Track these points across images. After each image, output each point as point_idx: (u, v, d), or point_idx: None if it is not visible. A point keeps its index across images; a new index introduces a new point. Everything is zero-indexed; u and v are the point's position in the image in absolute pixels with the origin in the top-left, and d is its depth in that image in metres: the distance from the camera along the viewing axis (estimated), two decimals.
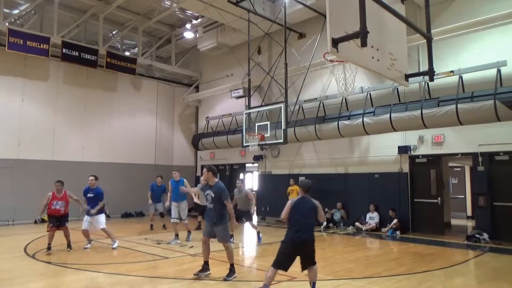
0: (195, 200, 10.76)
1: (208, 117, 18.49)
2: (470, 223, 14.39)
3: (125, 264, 7.39)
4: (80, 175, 13.10)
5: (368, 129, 11.78)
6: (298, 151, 15.21)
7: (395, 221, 11.86)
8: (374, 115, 11.67)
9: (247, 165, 18.15)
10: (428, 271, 7.02)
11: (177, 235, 9.96)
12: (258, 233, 9.82)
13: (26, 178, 14.35)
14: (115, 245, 9.06)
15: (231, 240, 9.78)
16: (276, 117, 13.51)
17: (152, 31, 18.28)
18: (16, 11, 14.86)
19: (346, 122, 12.25)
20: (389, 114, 11.25)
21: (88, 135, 16.29)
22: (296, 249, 5.30)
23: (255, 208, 11.08)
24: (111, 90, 17.20)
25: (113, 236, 9.20)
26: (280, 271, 5.35)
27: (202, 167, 7.80)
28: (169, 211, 10.49)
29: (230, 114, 16.96)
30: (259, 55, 16.30)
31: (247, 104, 14.25)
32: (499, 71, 9.86)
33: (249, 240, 10.37)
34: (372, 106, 12.16)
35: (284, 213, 5.46)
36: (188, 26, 16.54)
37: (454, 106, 10.02)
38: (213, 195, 6.46)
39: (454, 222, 14.12)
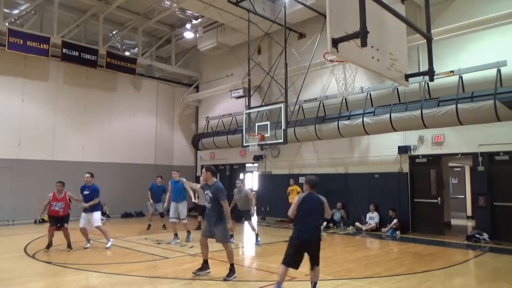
0: (194, 200, 10.74)
1: (208, 117, 18.49)
2: (470, 223, 14.39)
3: (125, 264, 7.38)
4: (80, 175, 12.94)
5: (368, 129, 11.78)
6: (298, 151, 15.21)
7: (395, 221, 11.87)
8: (374, 115, 11.67)
9: (247, 165, 18.15)
10: (428, 271, 7.02)
11: (176, 234, 9.96)
12: (257, 235, 9.79)
13: (26, 178, 14.35)
14: (109, 244, 9.04)
15: (231, 240, 9.82)
16: (276, 117, 13.51)
17: (152, 31, 18.28)
18: (16, 11, 14.86)
19: (346, 122, 12.25)
20: (389, 114, 11.25)
21: (88, 135, 16.29)
22: (303, 247, 5.32)
23: (255, 208, 11.06)
24: (111, 90, 17.20)
25: (107, 235, 9.18)
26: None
27: (202, 167, 7.81)
28: (168, 211, 10.48)
29: (230, 114, 16.96)
30: (259, 55, 16.30)
31: (247, 104, 14.25)
32: (499, 71, 9.86)
33: (249, 240, 10.37)
34: (372, 106, 12.16)
35: (291, 210, 5.46)
36: (188, 26, 16.54)
37: (454, 106, 10.02)
38: (211, 195, 6.47)
39: (454, 222, 14.13)
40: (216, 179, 6.66)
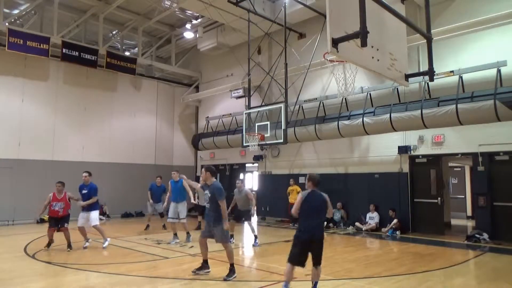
0: (193, 201, 10.69)
1: (208, 117, 18.49)
2: (470, 223, 14.39)
3: (125, 264, 7.38)
4: (80, 175, 12.92)
5: (368, 129, 11.78)
6: (298, 151, 15.21)
7: (395, 221, 11.86)
8: (374, 115, 11.67)
9: (247, 165, 18.15)
10: (428, 271, 7.02)
11: (175, 234, 9.96)
12: (255, 237, 9.77)
13: (26, 178, 14.35)
14: (106, 244, 9.04)
15: (231, 240, 9.81)
16: (276, 117, 13.51)
17: (152, 31, 18.28)
18: (16, 11, 14.86)
19: (346, 122, 12.25)
20: (389, 114, 11.25)
21: (88, 135, 16.29)
22: (308, 245, 5.32)
23: (255, 208, 11.05)
24: (111, 90, 17.20)
25: (104, 235, 9.17)
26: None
27: (202, 167, 7.77)
28: (168, 211, 10.47)
29: (230, 114, 16.96)
30: (259, 55, 16.30)
31: (247, 104, 14.25)
32: (499, 71, 9.86)
33: (249, 240, 10.36)
34: (372, 106, 12.16)
35: (295, 209, 5.46)
36: (188, 26, 16.54)
37: (454, 106, 10.02)
38: (209, 195, 6.48)
39: (454, 222, 14.12)
40: (215, 179, 6.66)
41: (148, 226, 12.37)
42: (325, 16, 5.06)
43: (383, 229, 12.03)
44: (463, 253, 9.21)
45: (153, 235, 11.19)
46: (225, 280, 6.15)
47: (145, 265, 7.35)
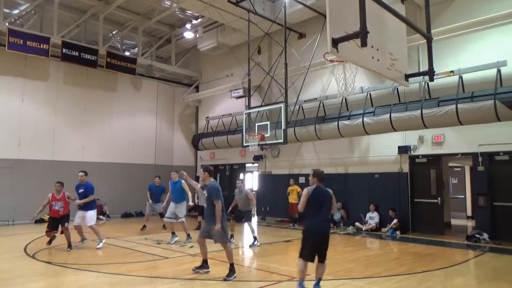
0: (190, 203, 10.58)
1: (208, 117, 18.49)
2: (470, 223, 14.39)
3: (125, 264, 7.38)
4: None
5: (368, 129, 11.78)
6: (298, 151, 15.21)
7: (395, 221, 11.86)
8: (374, 115, 11.67)
9: (247, 165, 18.15)
10: (428, 271, 7.02)
11: (173, 233, 9.97)
12: (255, 238, 9.75)
13: (26, 178, 14.35)
14: (100, 245, 9.01)
15: (231, 240, 9.80)
16: (276, 117, 13.51)
17: (152, 31, 18.28)
18: (16, 11, 14.86)
19: (346, 122, 12.25)
20: (389, 114, 11.25)
21: (88, 135, 16.29)
22: (318, 240, 5.37)
23: (255, 208, 11.02)
24: (111, 90, 17.20)
25: (99, 236, 9.14)
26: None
27: (202, 167, 7.72)
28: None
29: (230, 114, 16.96)
30: (259, 55, 16.30)
31: (247, 104, 14.25)
32: (499, 71, 9.86)
33: (249, 241, 10.35)
34: (372, 106, 12.16)
35: (301, 204, 5.48)
36: (188, 26, 16.54)
37: (454, 106, 10.02)
38: (206, 195, 6.50)
39: (454, 222, 14.13)
40: (213, 179, 6.66)
41: (144, 226, 12.29)
42: (325, 16, 5.06)
43: (383, 229, 12.03)
44: (463, 253, 9.21)
45: (153, 235, 11.18)
46: (225, 280, 6.14)
47: (145, 265, 7.35)
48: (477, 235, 10.32)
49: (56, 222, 8.80)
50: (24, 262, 7.67)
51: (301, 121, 13.69)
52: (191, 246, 9.20)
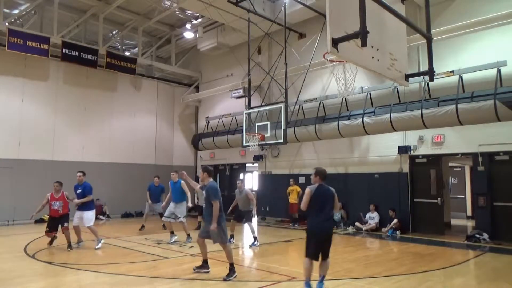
0: (189, 204, 10.54)
1: (208, 117, 18.49)
2: (470, 223, 14.39)
3: (125, 264, 7.38)
4: None
5: (368, 129, 11.78)
6: (298, 151, 15.21)
7: (395, 221, 11.86)
8: (374, 115, 11.67)
9: (247, 165, 18.15)
10: (428, 271, 7.02)
11: (172, 232, 9.97)
12: (255, 238, 9.74)
13: (26, 178, 14.35)
14: (99, 245, 9.00)
15: (231, 240, 9.80)
16: (276, 117, 13.51)
17: (152, 31, 18.29)
18: (16, 11, 14.86)
19: (346, 122, 12.25)
20: (389, 114, 11.25)
21: (88, 135, 16.29)
22: (322, 238, 5.40)
23: (255, 208, 11.00)
24: (111, 90, 17.20)
25: (98, 236, 9.12)
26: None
27: (202, 167, 7.66)
28: None
29: (230, 114, 16.96)
30: (259, 55, 16.30)
31: (247, 104, 14.25)
32: (499, 71, 9.86)
33: (249, 241, 10.35)
34: (372, 106, 12.16)
35: (304, 203, 5.50)
36: (188, 26, 16.54)
37: (454, 106, 10.02)
38: (205, 195, 6.51)
39: (454, 222, 14.13)
40: (211, 179, 6.66)
41: (143, 226, 12.26)
42: (325, 16, 5.06)
43: (383, 229, 12.03)
44: (463, 253, 9.21)
45: (153, 235, 11.18)
46: (225, 280, 6.14)
47: (145, 265, 7.35)
48: (477, 235, 10.32)
49: (55, 222, 8.82)
50: (24, 262, 7.67)
51: (301, 121, 13.69)
52: (191, 246, 9.20)
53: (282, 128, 12.43)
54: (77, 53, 14.91)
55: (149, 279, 6.33)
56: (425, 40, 6.11)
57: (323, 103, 13.62)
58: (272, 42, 15.77)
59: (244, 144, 13.44)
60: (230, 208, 10.54)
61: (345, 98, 12.62)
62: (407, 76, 5.79)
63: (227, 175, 18.23)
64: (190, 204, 10.16)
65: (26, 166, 14.45)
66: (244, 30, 14.24)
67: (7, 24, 13.84)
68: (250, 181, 20.31)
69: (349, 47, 4.43)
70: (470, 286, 6.25)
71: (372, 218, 12.46)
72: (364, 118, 11.76)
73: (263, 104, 14.65)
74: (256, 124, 13.32)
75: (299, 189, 13.81)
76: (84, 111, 16.25)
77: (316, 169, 5.70)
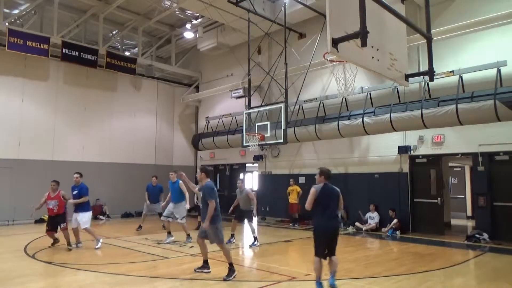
0: (187, 206, 10.52)
1: (208, 117, 18.49)
2: (470, 223, 14.39)
3: (125, 264, 7.39)
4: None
5: (368, 129, 11.78)
6: (298, 151, 15.21)
7: (395, 221, 11.86)
8: (374, 115, 11.67)
9: (247, 165, 18.15)
10: (428, 271, 7.02)
11: (169, 232, 9.96)
12: (255, 238, 9.73)
13: (26, 178, 14.35)
14: (98, 244, 8.98)
15: (231, 240, 9.81)
16: (276, 117, 13.51)
17: (152, 31, 18.29)
18: (16, 11, 14.86)
19: (346, 122, 12.25)
20: (389, 114, 11.25)
21: (88, 135, 16.29)
22: (329, 237, 5.49)
23: (256, 208, 10.99)
24: (111, 90, 17.20)
25: (96, 236, 9.11)
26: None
27: (200, 167, 7.61)
28: None
29: (230, 114, 16.96)
30: (259, 55, 16.30)
31: (247, 104, 14.25)
32: (499, 71, 9.86)
33: (249, 240, 10.36)
34: (372, 106, 12.16)
35: (309, 203, 5.56)
36: (188, 26, 16.54)
37: (454, 106, 10.02)
38: (201, 195, 6.54)
39: (454, 222, 14.12)
40: (209, 180, 6.68)
41: (140, 226, 12.18)
42: (325, 16, 5.06)
43: (383, 229, 12.03)
44: (463, 253, 9.21)
45: (153, 235, 11.18)
46: (225, 280, 6.14)
47: (145, 265, 7.35)
48: (477, 235, 10.32)
49: (53, 221, 8.87)
50: (24, 262, 7.67)
51: (301, 121, 13.69)
52: (191, 246, 9.20)
53: (282, 128, 12.43)
54: (77, 53, 14.91)
55: (149, 279, 6.33)
56: (425, 40, 6.11)
57: (323, 103, 13.62)
58: (272, 42, 15.77)
59: (244, 144, 13.44)
60: (231, 208, 10.56)
61: (345, 98, 12.62)
62: (407, 76, 5.79)
63: (227, 175, 18.23)
64: (188, 206, 10.11)
65: (26, 166, 14.45)
66: (244, 30, 14.24)
67: (7, 24, 13.84)
68: (250, 181, 20.30)
69: (349, 47, 4.43)
70: (470, 286, 6.25)
71: (372, 218, 12.46)
72: (364, 118, 11.76)
73: (263, 104, 14.65)
74: (256, 124, 13.32)
75: (299, 189, 13.81)
76: (84, 111, 16.26)
77: (320, 169, 5.76)
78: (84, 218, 8.95)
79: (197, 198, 12.07)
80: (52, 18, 14.63)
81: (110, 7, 15.02)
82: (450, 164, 15.13)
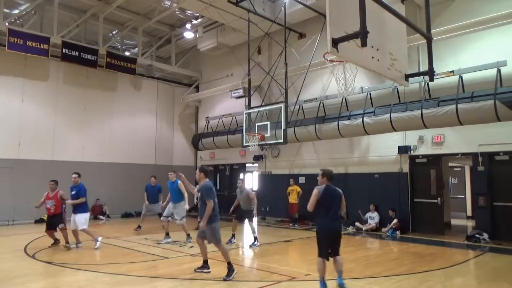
0: (186, 206, 10.48)
1: (208, 117, 18.49)
2: (470, 223, 14.39)
3: (125, 264, 7.39)
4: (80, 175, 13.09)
5: (368, 129, 11.78)
6: (298, 151, 15.21)
7: (395, 221, 11.86)
8: (374, 115, 11.67)
9: (247, 165, 18.15)
10: (428, 271, 7.02)
11: (167, 234, 9.95)
12: (255, 238, 9.72)
13: (26, 178, 14.35)
14: (97, 244, 8.96)
15: (232, 240, 9.81)
16: (276, 117, 13.51)
17: (152, 31, 18.28)
18: (16, 11, 14.86)
19: (346, 122, 12.25)
20: (389, 114, 11.25)
21: (88, 135, 16.29)
22: (332, 238, 5.52)
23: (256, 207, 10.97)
24: (111, 90, 17.20)
25: (94, 236, 9.09)
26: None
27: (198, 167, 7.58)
28: None
29: (230, 114, 16.96)
30: (259, 55, 16.30)
31: (247, 104, 14.25)
32: (499, 71, 9.86)
33: (249, 240, 10.37)
34: (372, 106, 12.16)
35: (311, 204, 5.59)
36: (188, 26, 16.54)
37: (454, 106, 10.02)
38: (199, 195, 6.55)
39: (454, 222, 14.12)
40: (207, 179, 6.68)
41: (139, 226, 12.16)
42: (325, 16, 5.06)
43: (383, 229, 12.03)
44: (463, 253, 9.21)
45: (153, 235, 11.18)
46: (225, 280, 6.14)
47: (145, 265, 7.35)
48: (477, 235, 10.32)
49: (51, 221, 8.90)
50: (24, 262, 7.67)
51: (301, 121, 13.69)
52: (191, 246, 9.20)
53: (282, 128, 12.43)
54: (77, 53, 14.91)
55: (149, 279, 6.33)
56: (425, 40, 6.11)
57: (323, 103, 13.62)
58: (272, 42, 15.77)
59: (244, 144, 13.44)
60: (232, 208, 10.56)
61: (345, 98, 12.62)
62: (407, 76, 5.79)
63: (227, 175, 18.23)
64: (187, 206, 10.08)
65: (26, 166, 14.45)
66: (244, 30, 14.24)
67: (7, 24, 13.84)
68: (250, 181, 20.30)
69: (349, 47, 4.43)
70: (470, 286, 6.25)
71: (372, 218, 12.46)
72: (364, 118, 11.76)
73: (263, 104, 14.65)
74: (256, 124, 13.32)
75: (299, 189, 13.81)
76: (84, 111, 16.26)
77: (323, 170, 5.79)
78: (81, 219, 8.91)
79: (197, 198, 12.05)
80: (52, 18, 14.63)
81: (110, 7, 15.02)
82: (450, 164, 15.13)
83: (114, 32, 17.67)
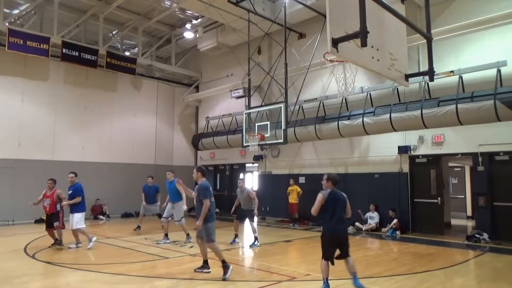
0: (184, 207, 10.43)
1: (208, 117, 18.49)
2: (470, 223, 14.39)
3: (125, 264, 7.39)
4: (80, 175, 13.04)
5: (368, 129, 11.78)
6: (298, 151, 15.20)
7: (395, 221, 11.86)
8: (374, 115, 11.67)
9: (247, 165, 18.15)
10: (428, 271, 7.02)
11: (166, 235, 9.94)
12: (256, 238, 9.71)
13: (26, 178, 14.34)
14: (90, 244, 8.91)
15: (235, 240, 9.81)
16: (276, 117, 13.51)
17: (152, 31, 18.28)
18: (16, 11, 14.86)
19: (346, 122, 12.25)
20: (389, 114, 11.25)
21: (88, 135, 16.29)
22: (337, 242, 5.55)
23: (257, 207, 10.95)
24: (111, 90, 17.20)
25: (88, 236, 9.05)
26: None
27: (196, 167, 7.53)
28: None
29: (230, 114, 16.96)
30: (259, 55, 16.30)
31: (247, 104, 14.25)
32: (499, 71, 9.86)
33: (249, 240, 10.37)
34: (372, 106, 12.16)
35: (315, 209, 5.60)
36: (188, 26, 16.55)
37: (454, 106, 10.02)
38: (196, 194, 6.56)
39: (454, 222, 14.12)
40: (204, 179, 6.69)
41: (138, 227, 12.14)
42: (325, 16, 5.06)
43: (383, 229, 12.03)
44: (463, 253, 9.21)
45: (153, 235, 11.18)
46: (224, 279, 6.14)
47: (144, 265, 7.35)
48: (477, 235, 10.32)
49: (48, 219, 8.93)
50: (24, 262, 7.67)
51: (301, 121, 13.69)
52: (191, 246, 9.20)
53: (282, 128, 12.43)
54: (77, 53, 14.92)
55: (149, 279, 6.33)
56: (425, 40, 6.11)
57: (323, 103, 13.62)
58: (272, 42, 15.76)
59: (244, 144, 13.44)
60: (233, 208, 10.55)
61: (345, 98, 12.62)
62: (407, 76, 5.79)
63: (227, 175, 18.23)
64: (185, 207, 10.05)
65: (26, 166, 14.45)
66: (244, 30, 14.24)
67: (7, 24, 13.85)
68: (250, 181, 20.30)
69: (349, 47, 4.43)
70: (470, 286, 6.25)
71: (372, 218, 12.45)
72: (364, 118, 11.76)
73: (263, 104, 14.65)
74: (256, 124, 13.32)
75: (299, 189, 13.81)
76: (84, 111, 16.26)
77: (328, 175, 5.82)
78: (76, 219, 8.89)
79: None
80: (52, 18, 14.64)
81: (110, 7, 15.02)
82: (450, 164, 15.13)
83: (114, 32, 17.68)
